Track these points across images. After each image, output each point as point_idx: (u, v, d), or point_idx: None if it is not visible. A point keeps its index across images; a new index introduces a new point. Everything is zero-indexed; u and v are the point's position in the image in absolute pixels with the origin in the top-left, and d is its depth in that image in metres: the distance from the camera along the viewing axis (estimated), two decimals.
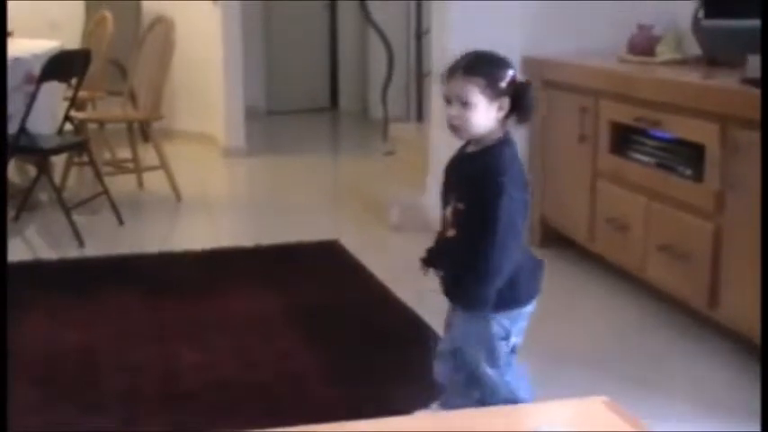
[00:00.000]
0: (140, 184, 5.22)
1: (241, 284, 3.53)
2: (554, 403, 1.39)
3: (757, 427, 2.37)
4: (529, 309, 2.13)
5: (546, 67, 3.86)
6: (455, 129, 2.04)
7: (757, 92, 2.54)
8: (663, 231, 3.00)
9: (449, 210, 2.09)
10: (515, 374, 2.13)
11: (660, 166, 3.02)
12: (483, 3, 3.93)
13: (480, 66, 2.03)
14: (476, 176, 2.04)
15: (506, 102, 2.01)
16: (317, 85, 8.71)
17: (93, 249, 3.99)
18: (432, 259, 2.20)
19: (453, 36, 4.00)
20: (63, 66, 4.26)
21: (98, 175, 4.53)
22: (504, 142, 2.06)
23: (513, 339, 2.11)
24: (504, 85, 2.01)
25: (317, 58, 8.69)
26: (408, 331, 3.04)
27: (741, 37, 2.76)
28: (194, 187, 5.23)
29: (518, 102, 2.03)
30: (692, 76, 3.10)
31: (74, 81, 4.53)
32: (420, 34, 6.13)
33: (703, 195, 2.77)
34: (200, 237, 4.26)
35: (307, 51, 8.59)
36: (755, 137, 2.54)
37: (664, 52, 3.56)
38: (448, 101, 2.04)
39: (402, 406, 2.24)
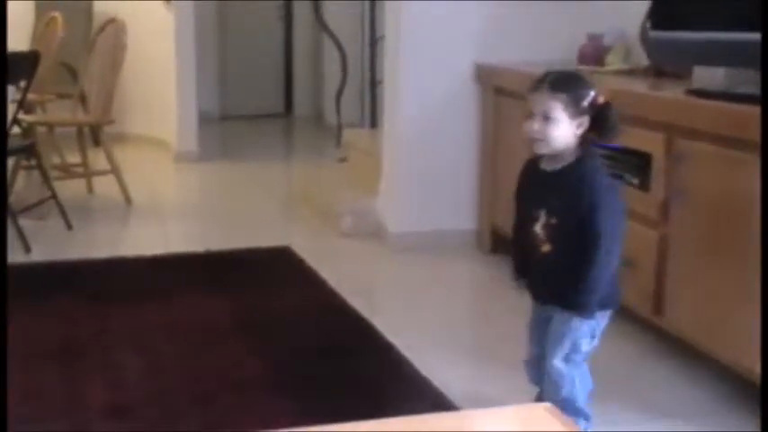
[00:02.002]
0: (90, 188, 5.16)
1: (190, 291, 3.50)
2: (496, 409, 1.40)
3: (699, 428, 2.42)
4: (601, 324, 2.24)
5: (497, 75, 3.89)
6: (534, 142, 2.14)
7: (702, 102, 2.59)
8: None
9: (538, 225, 2.18)
10: (583, 376, 2.24)
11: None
12: (437, 10, 3.95)
13: (565, 83, 2.14)
14: (570, 192, 2.13)
15: (586, 120, 2.12)
16: (271, 91, 8.68)
17: (40, 255, 3.93)
18: (522, 272, 2.32)
19: (407, 43, 4.01)
20: (12, 67, 4.19)
21: (46, 180, 4.47)
22: (589, 156, 2.16)
23: (596, 341, 2.23)
24: (585, 104, 2.11)
25: (271, 64, 8.66)
26: (359, 339, 3.03)
27: (687, 48, 2.80)
28: (145, 192, 5.18)
29: (600, 121, 2.13)
30: (640, 86, 3.15)
31: (22, 83, 4.47)
32: (374, 41, 6.14)
33: (649, 204, 2.81)
34: (150, 242, 4.22)
35: (261, 56, 8.56)
36: (699, 147, 2.59)
37: (613, 62, 3.61)
38: (530, 114, 2.13)
39: (351, 416, 2.23)
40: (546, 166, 2.20)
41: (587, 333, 2.20)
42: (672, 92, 2.84)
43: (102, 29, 5.16)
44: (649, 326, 2.93)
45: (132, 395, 2.57)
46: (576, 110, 2.10)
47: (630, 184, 2.93)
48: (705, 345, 2.63)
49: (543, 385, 2.29)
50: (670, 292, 2.75)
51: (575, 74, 2.21)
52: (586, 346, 2.21)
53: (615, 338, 3.00)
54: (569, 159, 2.15)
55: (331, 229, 4.40)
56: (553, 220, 2.15)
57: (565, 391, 2.21)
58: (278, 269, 3.82)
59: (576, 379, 2.22)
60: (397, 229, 4.13)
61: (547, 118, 2.10)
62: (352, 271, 3.86)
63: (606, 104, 2.13)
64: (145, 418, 2.43)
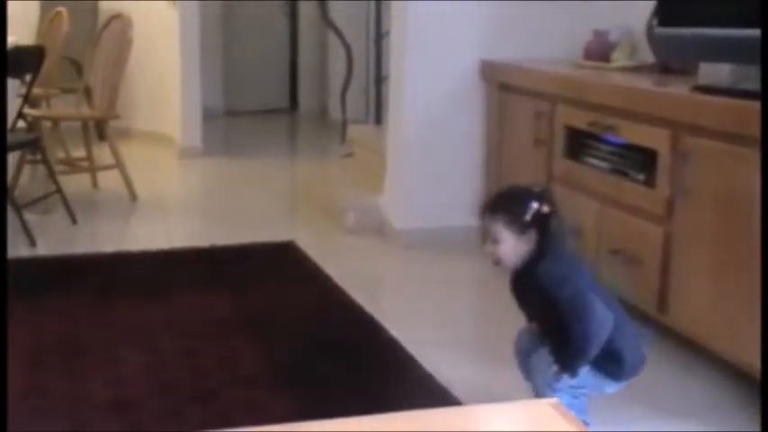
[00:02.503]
0: (95, 183, 5.17)
1: (194, 286, 3.50)
2: (501, 405, 1.40)
3: (705, 427, 2.41)
4: (610, 390, 2.25)
5: (503, 71, 3.89)
6: (495, 263, 2.23)
7: (708, 98, 2.58)
8: (615, 236, 3.03)
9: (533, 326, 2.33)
10: (572, 406, 2.21)
11: (613, 171, 3.06)
12: (442, 6, 3.94)
13: (501, 203, 2.22)
14: (534, 295, 2.21)
15: (533, 233, 2.15)
16: (275, 87, 8.68)
17: (44, 249, 3.94)
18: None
19: (412, 40, 4.01)
20: (17, 62, 4.20)
21: (51, 174, 4.47)
22: (536, 255, 2.17)
23: (584, 390, 2.24)
24: (528, 218, 2.14)
25: (276, 59, 8.66)
26: (363, 335, 3.03)
27: (693, 45, 2.80)
28: (150, 187, 5.18)
29: (543, 231, 2.15)
30: (645, 83, 3.14)
31: (27, 78, 4.47)
32: (379, 37, 6.13)
33: (654, 200, 2.81)
34: (154, 237, 4.22)
35: (266, 52, 8.56)
36: (704, 143, 2.58)
37: (618, 59, 3.60)
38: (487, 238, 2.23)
39: (354, 412, 2.23)
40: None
41: (548, 381, 2.21)
42: (677, 88, 2.83)
43: (107, 24, 5.16)
44: (654, 322, 2.92)
45: (134, 391, 2.57)
46: (519, 226, 2.15)
47: (635, 180, 2.93)
48: (709, 342, 2.63)
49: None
50: (675, 289, 2.74)
51: (515, 190, 2.28)
52: (567, 382, 2.20)
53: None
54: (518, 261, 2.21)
55: (335, 226, 4.40)
56: (534, 325, 2.30)
57: (544, 395, 2.22)
58: (282, 265, 3.82)
59: (560, 397, 2.19)
60: (402, 226, 4.13)
61: (495, 240, 2.18)
62: (357, 267, 3.86)
63: (549, 214, 2.15)
64: (147, 413, 2.43)
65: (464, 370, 2.80)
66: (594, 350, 2.12)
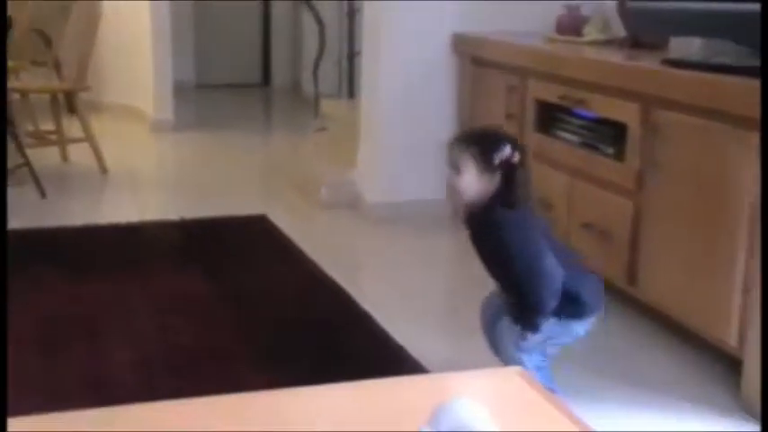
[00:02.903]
0: (64, 156, 5.11)
1: (166, 259, 3.49)
2: (468, 373, 1.41)
3: (672, 398, 2.45)
4: (580, 330, 2.26)
5: (475, 45, 3.88)
6: (451, 193, 2.25)
7: (678, 72, 2.60)
8: (585, 209, 3.05)
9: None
10: (540, 369, 2.24)
11: (584, 144, 3.07)
12: None
13: (475, 137, 2.24)
14: (485, 247, 2.24)
15: (497, 178, 2.15)
16: (248, 60, 8.61)
17: (13, 223, 3.89)
18: None
19: (385, 13, 3.99)
20: None
21: (20, 147, 4.42)
22: (493, 199, 2.17)
23: (552, 348, 2.26)
24: (496, 160, 2.14)
25: (248, 32, 8.59)
26: (336, 309, 3.03)
27: (664, 19, 2.80)
28: (120, 161, 5.14)
29: (508, 181, 2.16)
30: (616, 57, 3.15)
31: None
32: (352, 11, 6.10)
33: (624, 174, 2.82)
34: (125, 211, 4.19)
35: (238, 25, 8.48)
36: (675, 117, 2.60)
37: (590, 33, 3.61)
38: (448, 167, 2.22)
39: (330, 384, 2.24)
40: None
41: (515, 344, 2.23)
42: (648, 62, 2.84)
43: None
44: (624, 296, 2.95)
45: (108, 365, 2.56)
46: (485, 165, 2.15)
47: (605, 154, 2.94)
48: (678, 314, 2.66)
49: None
50: (644, 263, 2.77)
51: (493, 131, 2.31)
52: (525, 362, 2.21)
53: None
54: (475, 199, 2.21)
55: (308, 200, 4.39)
56: (485, 266, 2.28)
57: (511, 361, 2.23)
58: (254, 238, 3.81)
59: (525, 361, 2.22)
60: (375, 200, 4.13)
61: (458, 170, 2.18)
62: (330, 241, 3.85)
63: (516, 164, 2.15)
64: (121, 388, 2.42)
65: (436, 342, 2.81)
66: (551, 303, 2.14)
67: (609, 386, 2.52)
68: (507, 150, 2.14)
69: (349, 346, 2.75)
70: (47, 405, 2.29)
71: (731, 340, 2.41)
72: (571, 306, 2.19)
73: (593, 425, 1.25)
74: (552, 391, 2.23)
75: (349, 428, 1.19)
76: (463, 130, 2.28)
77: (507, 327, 2.25)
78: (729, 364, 2.48)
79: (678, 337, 2.74)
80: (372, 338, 2.78)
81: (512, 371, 1.41)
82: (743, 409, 2.36)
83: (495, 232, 2.17)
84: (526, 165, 2.18)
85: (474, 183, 2.17)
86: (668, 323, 2.75)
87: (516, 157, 2.15)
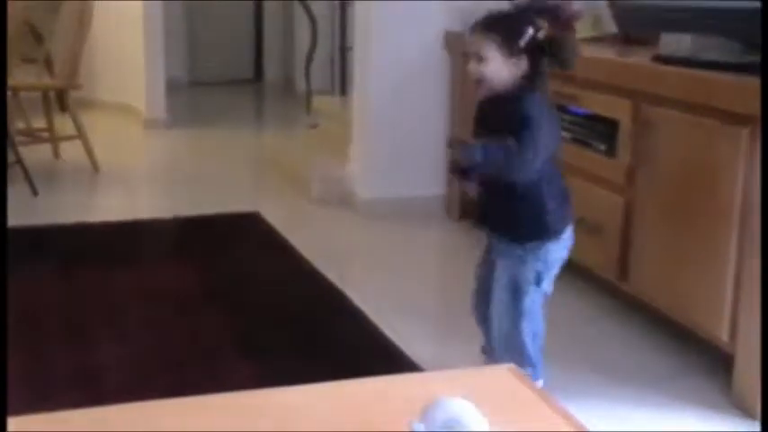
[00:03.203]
0: (56, 154, 5.11)
1: (158, 257, 3.49)
2: (459, 371, 1.41)
3: (662, 394, 2.46)
4: (563, 254, 2.19)
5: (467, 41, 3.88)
6: (477, 84, 2.13)
7: (668, 68, 2.60)
8: (577, 205, 3.02)
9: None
10: (532, 323, 2.20)
11: (575, 140, 3.07)
12: None
13: (498, 23, 2.10)
14: (502, 115, 2.10)
15: (524, 60, 2.07)
16: (240, 57, 8.61)
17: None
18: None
19: (377, 10, 3.99)
20: None
21: (12, 145, 4.41)
22: (528, 89, 2.10)
23: (545, 285, 2.19)
24: (522, 43, 2.06)
25: (241, 29, 8.58)
26: (328, 305, 3.04)
27: (654, 15, 2.81)
28: (113, 158, 5.13)
29: (556, 53, 2.06)
30: (607, 53, 3.15)
31: None
32: (344, 7, 6.10)
33: (616, 170, 2.83)
34: (117, 208, 4.19)
35: (230, 22, 8.47)
36: (665, 113, 2.60)
37: (582, 29, 3.60)
38: (468, 56, 2.12)
39: (319, 381, 2.24)
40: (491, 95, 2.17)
41: (529, 277, 2.17)
42: (639, 58, 2.85)
43: None
44: (614, 290, 2.96)
45: (99, 362, 2.56)
46: (509, 49, 2.06)
47: (597, 150, 2.95)
48: (669, 309, 2.67)
49: (488, 335, 2.30)
50: (635, 258, 2.77)
51: (513, 14, 2.14)
52: (532, 292, 2.18)
53: (580, 302, 3.04)
54: (502, 85, 2.12)
55: (301, 196, 4.39)
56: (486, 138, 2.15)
57: (510, 341, 2.20)
58: (247, 235, 3.81)
59: (523, 328, 2.20)
60: (367, 196, 4.13)
61: (480, 58, 2.09)
62: (322, 237, 3.86)
63: (556, 37, 2.06)
64: (112, 384, 2.43)
65: (428, 339, 2.82)
66: (523, 170, 2.07)
67: (599, 382, 2.52)
68: (531, 31, 2.06)
69: (340, 342, 2.75)
70: (35, 402, 2.31)
71: (723, 335, 2.42)
72: (538, 223, 2.15)
73: (583, 421, 1.26)
74: (533, 364, 2.23)
75: (339, 428, 1.20)
76: (483, 15, 2.13)
77: (501, 266, 2.20)
78: (721, 360, 2.49)
79: (669, 332, 2.75)
80: (364, 335, 2.79)
81: (503, 368, 1.41)
82: (734, 405, 2.37)
83: (520, 107, 2.07)
84: (562, 33, 2.08)
85: (498, 69, 2.08)
86: (659, 318, 2.76)
87: (542, 35, 2.06)
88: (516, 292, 2.20)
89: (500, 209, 2.20)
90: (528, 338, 2.22)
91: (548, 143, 2.10)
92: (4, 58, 3.91)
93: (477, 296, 2.35)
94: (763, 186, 2.19)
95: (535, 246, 2.16)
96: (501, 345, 2.24)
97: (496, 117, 2.14)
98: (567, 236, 2.22)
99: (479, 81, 2.12)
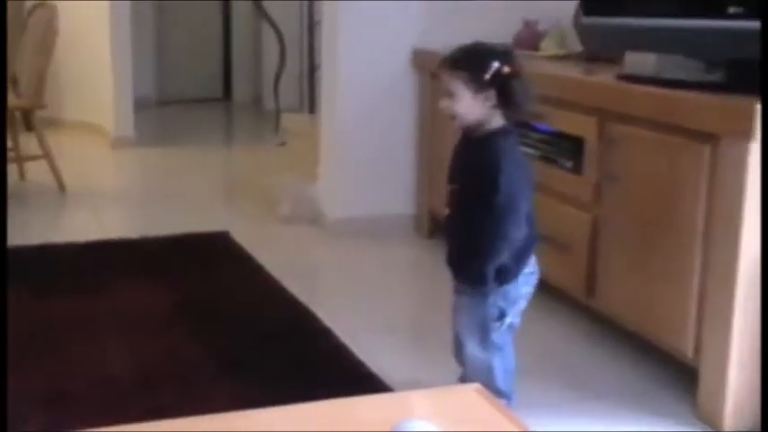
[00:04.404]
0: (22, 174, 5.06)
1: (126, 277, 3.46)
2: (426, 391, 1.41)
3: (629, 409, 2.47)
4: (527, 289, 2.22)
5: (434, 60, 3.88)
6: (451, 119, 2.17)
7: (633, 87, 2.64)
8: (545, 222, 3.05)
9: (447, 189, 2.25)
10: (504, 358, 2.23)
11: (542, 158, 3.10)
12: None
13: (464, 59, 2.14)
14: (473, 162, 2.15)
15: (492, 93, 2.10)
16: (209, 75, 8.59)
17: None
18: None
19: (344, 28, 4.00)
20: None
21: None
22: (500, 132, 2.14)
23: (509, 320, 2.21)
24: (488, 77, 2.09)
25: (209, 48, 8.57)
26: (297, 324, 3.03)
27: (618, 34, 2.85)
28: (80, 178, 5.09)
29: (505, 94, 2.10)
30: (573, 71, 3.19)
31: None
32: (312, 26, 6.11)
33: (582, 187, 2.86)
34: (84, 229, 4.15)
35: (199, 40, 8.46)
36: (630, 131, 2.63)
37: (547, 48, 3.65)
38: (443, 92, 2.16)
39: (289, 400, 2.23)
40: (474, 135, 2.19)
41: (493, 313, 2.19)
42: (604, 77, 2.88)
43: (32, 12, 5.04)
44: (582, 307, 2.98)
45: (71, 384, 2.53)
46: (478, 84, 2.09)
47: (563, 167, 2.97)
48: (636, 325, 2.69)
49: (464, 369, 2.32)
50: (602, 275, 2.80)
51: (478, 47, 2.17)
52: (496, 328, 2.20)
53: (548, 319, 3.05)
54: (485, 132, 2.15)
55: (270, 215, 4.38)
56: (456, 186, 2.20)
57: (483, 377, 2.20)
58: (216, 255, 3.79)
59: (495, 364, 2.23)
60: (336, 215, 4.13)
61: (451, 95, 2.12)
62: (291, 256, 3.85)
63: (510, 75, 2.09)
64: (84, 406, 2.40)
65: (397, 357, 2.82)
66: (503, 253, 2.12)
67: (566, 398, 2.54)
68: (496, 65, 2.09)
69: (310, 361, 2.74)
70: (8, 425, 2.27)
71: (687, 350, 2.44)
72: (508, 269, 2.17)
73: None
74: (509, 397, 2.25)
75: None
76: (450, 51, 2.18)
77: (465, 314, 2.23)
78: (686, 374, 2.51)
79: (636, 348, 2.77)
80: (333, 354, 2.78)
81: (470, 388, 1.42)
82: (699, 418, 2.39)
83: (491, 156, 2.10)
84: (520, 72, 2.12)
85: (469, 105, 2.11)
86: (626, 334, 2.78)
87: (507, 68, 2.09)
88: (482, 331, 2.21)
89: (460, 252, 2.22)
90: (500, 374, 2.24)
91: (513, 190, 2.09)
92: (3, 59, 3.87)
93: (456, 342, 2.35)
94: (763, 189, 2.21)
95: (485, 287, 2.17)
96: (476, 379, 2.24)
97: (466, 164, 2.19)
98: (529, 270, 2.23)
99: (453, 117, 2.16)
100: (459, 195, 2.20)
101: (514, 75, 2.10)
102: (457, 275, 2.23)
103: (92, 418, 2.31)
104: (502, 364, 2.25)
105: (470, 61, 2.12)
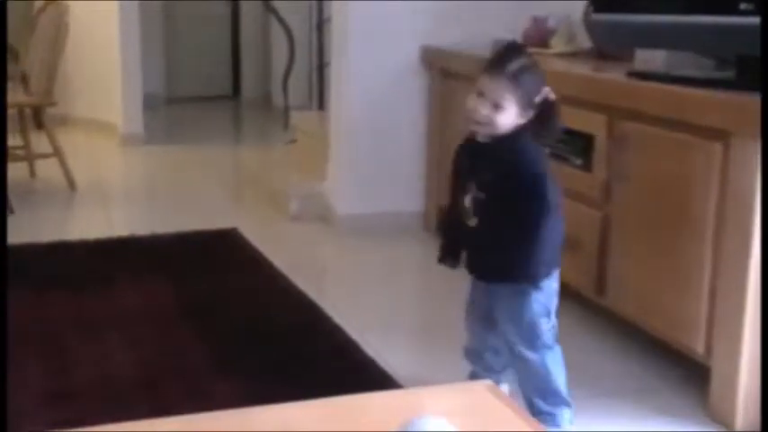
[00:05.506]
0: (32, 172, 5.07)
1: (135, 275, 3.47)
2: (438, 388, 1.41)
3: (640, 407, 2.47)
4: (556, 285, 2.22)
5: (444, 57, 3.91)
6: (477, 124, 2.12)
7: (643, 84, 2.63)
8: None
9: (467, 198, 2.17)
10: (555, 360, 2.21)
11: (552, 155, 3.08)
12: None
13: (524, 76, 2.10)
14: (504, 164, 2.12)
15: (532, 114, 2.11)
16: (218, 73, 8.60)
17: None
18: (451, 249, 2.31)
19: (353, 25, 4.00)
20: None
21: None
22: (523, 130, 2.13)
23: (553, 319, 2.20)
24: (537, 100, 2.10)
25: (218, 45, 8.58)
26: (306, 322, 3.03)
27: (628, 31, 2.84)
28: (90, 176, 5.11)
29: (544, 119, 2.12)
30: (583, 68, 3.18)
31: None
32: (321, 23, 6.11)
33: (592, 185, 2.85)
34: (94, 226, 4.16)
35: (208, 38, 8.47)
36: (640, 128, 2.63)
37: (557, 45, 3.64)
38: (480, 94, 2.10)
39: (298, 398, 2.23)
40: (480, 138, 2.18)
41: (542, 311, 2.18)
42: (613, 74, 2.87)
43: (43, 8, 5.05)
44: (592, 305, 2.97)
45: (76, 381, 2.54)
46: (526, 104, 2.10)
47: (573, 164, 2.97)
48: (646, 323, 2.68)
49: (517, 376, 2.27)
50: (612, 272, 2.79)
51: (534, 66, 2.15)
52: (546, 325, 2.19)
53: (560, 317, 3.04)
54: (503, 133, 2.13)
55: (279, 213, 4.39)
56: (481, 195, 2.15)
57: (539, 380, 2.20)
58: (225, 252, 3.79)
59: (548, 363, 2.20)
60: (345, 212, 4.14)
61: (497, 106, 2.09)
62: (300, 254, 3.85)
63: (554, 103, 2.13)
64: (88, 404, 2.41)
65: (407, 355, 2.82)
66: (549, 258, 2.15)
67: (575, 396, 2.52)
68: (546, 90, 2.12)
69: (319, 358, 2.75)
70: (10, 423, 2.28)
71: (698, 348, 2.43)
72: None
73: None
74: (568, 404, 2.23)
75: None
76: (500, 55, 2.12)
77: (513, 313, 2.19)
78: (697, 372, 2.51)
79: (646, 347, 2.77)
80: (343, 351, 2.78)
81: (482, 385, 1.42)
82: (710, 417, 2.38)
83: (527, 161, 2.12)
84: (557, 103, 2.15)
85: (512, 120, 2.10)
86: (636, 332, 2.78)
87: (553, 97, 2.12)
88: (532, 330, 2.18)
89: (501, 255, 2.18)
90: (555, 374, 2.21)
91: (554, 186, 2.14)
92: (3, 59, 3.88)
93: (476, 345, 2.35)
94: (764, 189, 2.20)
95: (539, 281, 2.17)
96: (535, 393, 2.23)
97: (493, 162, 2.14)
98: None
99: (483, 124, 2.12)
100: (492, 204, 2.14)
101: (557, 104, 2.14)
102: (505, 279, 2.19)
103: (93, 417, 2.32)
104: (556, 364, 2.22)
105: (529, 79, 2.11)
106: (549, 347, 2.21)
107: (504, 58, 2.11)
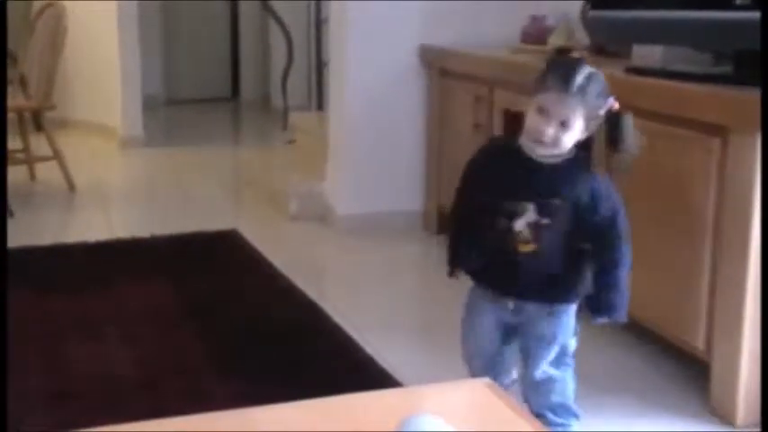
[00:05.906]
0: (32, 175, 5.07)
1: (135, 276, 3.46)
2: (436, 386, 1.41)
3: (641, 403, 2.47)
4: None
5: (442, 56, 3.90)
6: (541, 143, 1.94)
7: (640, 80, 2.63)
8: None
9: (520, 222, 1.97)
10: (572, 375, 2.15)
11: None
12: None
13: (592, 91, 1.92)
14: (578, 192, 1.98)
15: (593, 127, 1.96)
16: (217, 74, 8.60)
17: None
18: (466, 266, 2.15)
19: (352, 25, 4.00)
20: None
21: None
22: (579, 149, 2.00)
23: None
24: (601, 112, 1.94)
25: (217, 47, 8.57)
26: (306, 322, 3.03)
27: (625, 27, 2.84)
28: (89, 178, 5.11)
29: (613, 131, 1.96)
30: None
31: None
32: (319, 23, 6.12)
33: None
34: (94, 229, 4.16)
35: (207, 39, 8.47)
36: (639, 124, 2.58)
37: (555, 42, 3.63)
38: (542, 111, 1.92)
39: (298, 398, 2.23)
40: (532, 154, 1.98)
41: (573, 330, 2.12)
42: (611, 70, 2.86)
43: (41, 12, 5.05)
44: None
45: (76, 381, 2.54)
46: (592, 118, 1.93)
47: None
48: (647, 320, 2.68)
49: (526, 394, 2.17)
50: None
51: (597, 74, 1.95)
52: (574, 344, 2.13)
53: None
54: (563, 152, 1.97)
55: (279, 213, 4.39)
56: (545, 220, 1.96)
57: (557, 396, 2.13)
58: (225, 253, 3.79)
59: (569, 381, 2.14)
60: (345, 212, 4.13)
61: (564, 124, 1.91)
62: (300, 254, 3.85)
63: (619, 112, 1.97)
64: (88, 404, 2.41)
65: (406, 354, 2.82)
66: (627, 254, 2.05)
67: (579, 392, 2.52)
68: (611, 100, 1.95)
69: (319, 358, 2.75)
70: (10, 424, 2.28)
71: (699, 344, 2.43)
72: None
73: None
74: (577, 416, 2.16)
75: None
76: (565, 69, 1.91)
77: (548, 336, 2.09)
78: (697, 368, 2.50)
79: (646, 343, 2.76)
80: (343, 351, 2.78)
81: (480, 383, 1.42)
82: (711, 412, 2.38)
83: (604, 189, 2.00)
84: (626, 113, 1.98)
85: (576, 137, 1.95)
86: (636, 329, 2.77)
87: (617, 105, 1.96)
88: (563, 351, 2.12)
89: (564, 280, 2.05)
90: (572, 391, 2.16)
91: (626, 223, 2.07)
92: (4, 59, 3.88)
93: (482, 358, 2.22)
94: (764, 188, 2.20)
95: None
96: (548, 408, 2.16)
97: (568, 197, 1.97)
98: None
99: (546, 143, 1.94)
100: (552, 230, 1.97)
101: (622, 111, 1.97)
102: (556, 300, 2.08)
103: (94, 418, 2.31)
104: (573, 380, 2.16)
105: (596, 94, 1.93)
106: (570, 365, 2.15)
107: (571, 73, 1.91)
